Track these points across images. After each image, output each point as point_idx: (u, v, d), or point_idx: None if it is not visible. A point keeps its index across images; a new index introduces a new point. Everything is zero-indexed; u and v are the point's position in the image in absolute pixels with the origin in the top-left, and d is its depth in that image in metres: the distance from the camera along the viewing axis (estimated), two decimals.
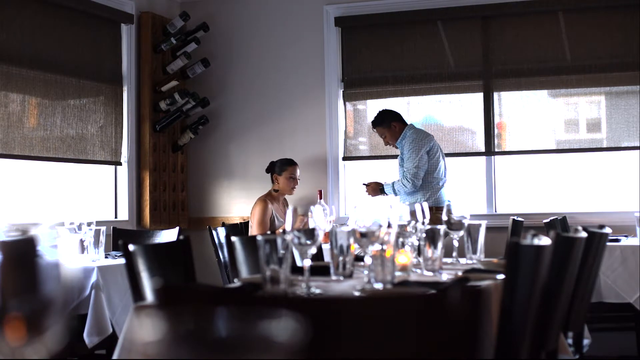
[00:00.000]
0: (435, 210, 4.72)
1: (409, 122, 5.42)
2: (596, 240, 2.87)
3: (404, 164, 5.27)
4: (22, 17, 5.01)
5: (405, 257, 2.58)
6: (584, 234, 2.62)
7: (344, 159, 6.07)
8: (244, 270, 3.10)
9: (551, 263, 2.15)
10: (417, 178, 5.19)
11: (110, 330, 3.74)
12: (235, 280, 2.71)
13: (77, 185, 5.58)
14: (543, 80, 5.70)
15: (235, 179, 6.24)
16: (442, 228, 2.65)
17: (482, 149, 5.78)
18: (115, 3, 5.73)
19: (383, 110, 5.48)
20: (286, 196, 5.60)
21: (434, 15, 5.87)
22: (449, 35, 5.87)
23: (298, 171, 5.44)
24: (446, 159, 5.42)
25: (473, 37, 5.82)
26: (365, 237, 2.16)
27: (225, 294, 1.82)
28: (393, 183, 5.30)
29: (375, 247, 2.17)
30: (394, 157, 5.97)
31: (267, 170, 5.51)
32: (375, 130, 5.51)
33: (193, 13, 6.12)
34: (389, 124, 5.38)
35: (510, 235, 4.93)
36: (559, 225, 4.99)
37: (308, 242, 2.08)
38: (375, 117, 5.45)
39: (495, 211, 5.76)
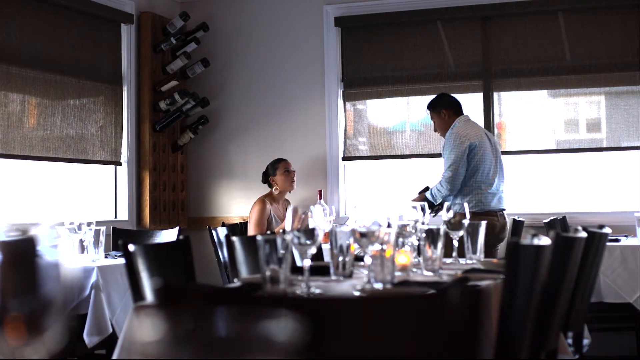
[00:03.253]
0: (479, 216, 4.33)
1: (458, 116, 4.95)
2: (596, 240, 2.87)
3: (444, 164, 4.83)
4: (22, 17, 5.01)
5: (405, 257, 2.58)
6: (584, 234, 2.62)
7: (344, 159, 6.06)
8: (243, 270, 3.10)
9: (551, 263, 2.15)
10: (455, 182, 4.70)
11: (110, 330, 3.74)
12: (235, 280, 2.71)
13: (77, 185, 5.58)
14: (543, 80, 5.70)
15: (235, 179, 6.24)
16: (442, 228, 2.65)
17: None
18: (115, 3, 5.73)
19: (440, 94, 5.12)
20: (288, 197, 5.62)
21: (434, 15, 5.86)
22: (449, 35, 5.87)
23: (291, 165, 5.49)
24: None
25: (473, 37, 5.82)
26: (365, 237, 2.16)
27: (225, 294, 1.82)
28: (433, 188, 4.82)
29: (375, 247, 2.17)
30: (394, 157, 5.98)
31: (264, 181, 5.55)
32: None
33: (193, 13, 6.12)
34: (439, 111, 4.96)
35: (511, 235, 4.93)
36: (559, 225, 4.99)
37: (308, 242, 2.08)
38: (431, 100, 5.07)
39: None
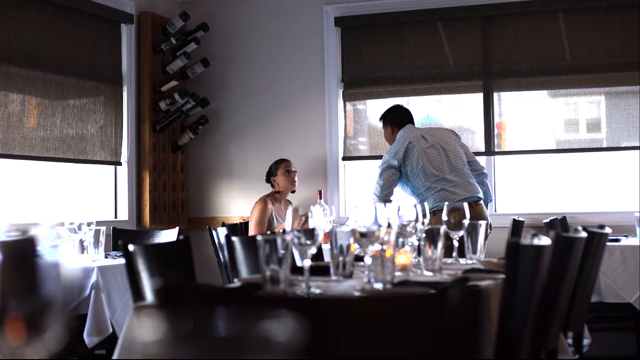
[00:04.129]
0: (433, 214, 4.16)
1: (410, 124, 5.01)
2: (596, 240, 2.87)
3: None
4: (22, 17, 5.01)
5: (405, 257, 2.58)
6: (584, 234, 2.62)
7: (344, 159, 6.06)
8: (243, 270, 3.10)
9: (551, 263, 2.15)
10: (379, 196, 4.73)
11: (110, 330, 3.74)
12: (235, 280, 2.71)
13: (77, 185, 5.58)
14: (543, 80, 5.70)
15: (235, 179, 6.24)
16: (442, 228, 2.65)
17: (482, 149, 5.77)
18: (115, 3, 5.73)
19: (392, 107, 5.16)
20: (289, 197, 5.63)
21: (434, 15, 5.86)
22: (449, 35, 5.87)
23: (293, 165, 5.50)
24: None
25: (473, 37, 5.82)
26: (365, 237, 2.16)
27: (225, 294, 1.82)
28: None
29: (375, 247, 2.17)
30: None
31: (267, 180, 5.56)
32: None
33: (193, 13, 6.12)
34: (387, 125, 5.08)
35: (511, 235, 4.93)
36: (559, 225, 4.99)
37: (308, 242, 2.08)
38: (384, 111, 5.14)
39: (496, 211, 5.75)
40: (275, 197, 5.47)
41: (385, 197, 4.75)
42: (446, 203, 3.14)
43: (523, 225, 5.18)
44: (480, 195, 4.78)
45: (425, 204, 2.93)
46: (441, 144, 4.83)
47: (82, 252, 3.95)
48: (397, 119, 5.04)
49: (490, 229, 4.79)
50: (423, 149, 4.78)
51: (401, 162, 4.78)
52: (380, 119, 5.16)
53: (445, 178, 4.73)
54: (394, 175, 4.79)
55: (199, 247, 5.42)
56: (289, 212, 2.11)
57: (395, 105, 5.21)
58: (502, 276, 2.10)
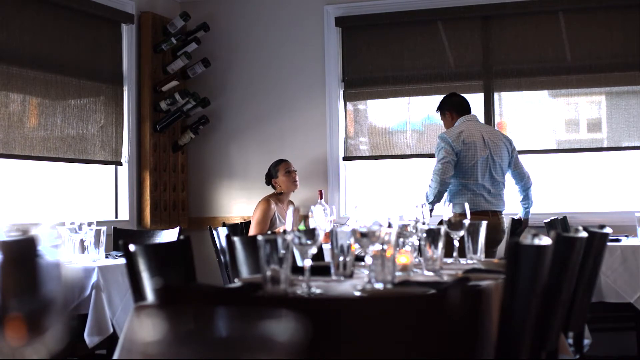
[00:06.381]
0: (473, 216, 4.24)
1: (461, 117, 4.91)
2: (596, 240, 2.87)
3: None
4: (22, 17, 5.01)
5: (406, 257, 2.58)
6: (584, 234, 2.62)
7: (345, 159, 6.06)
8: (244, 270, 3.10)
9: (551, 263, 2.15)
10: (441, 173, 4.67)
11: (111, 330, 3.74)
12: (236, 280, 2.71)
13: (77, 185, 5.58)
14: (543, 80, 5.70)
15: (235, 179, 6.24)
16: (442, 228, 2.65)
17: None
18: (116, 3, 5.73)
19: (449, 94, 5.10)
20: (291, 197, 5.63)
21: (434, 15, 5.86)
22: (449, 35, 5.87)
23: (292, 165, 5.51)
24: None
25: (473, 37, 5.82)
26: (365, 237, 2.16)
27: (225, 294, 1.82)
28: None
29: (376, 247, 2.17)
30: (395, 157, 5.97)
31: (267, 183, 5.57)
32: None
33: (193, 13, 6.12)
34: (444, 112, 4.98)
35: (511, 235, 4.92)
36: (559, 225, 4.99)
37: (308, 242, 2.08)
38: (440, 101, 5.09)
39: None
40: (278, 197, 5.48)
41: (444, 180, 4.71)
42: (445, 202, 3.15)
43: None
44: (502, 209, 4.81)
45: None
46: (494, 152, 4.80)
47: (83, 252, 3.95)
48: (456, 104, 4.97)
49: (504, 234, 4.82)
50: (473, 150, 4.74)
51: (456, 153, 4.73)
52: (437, 109, 5.06)
53: (482, 185, 4.75)
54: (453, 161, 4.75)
55: (200, 247, 5.42)
56: (290, 212, 2.11)
57: (451, 93, 5.13)
58: (503, 276, 2.10)
